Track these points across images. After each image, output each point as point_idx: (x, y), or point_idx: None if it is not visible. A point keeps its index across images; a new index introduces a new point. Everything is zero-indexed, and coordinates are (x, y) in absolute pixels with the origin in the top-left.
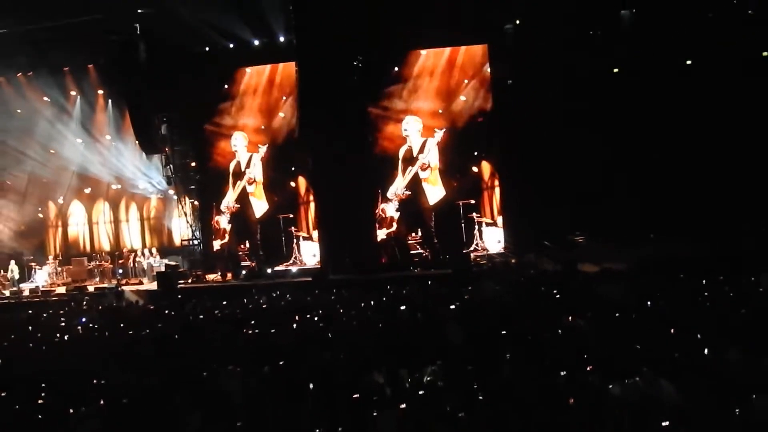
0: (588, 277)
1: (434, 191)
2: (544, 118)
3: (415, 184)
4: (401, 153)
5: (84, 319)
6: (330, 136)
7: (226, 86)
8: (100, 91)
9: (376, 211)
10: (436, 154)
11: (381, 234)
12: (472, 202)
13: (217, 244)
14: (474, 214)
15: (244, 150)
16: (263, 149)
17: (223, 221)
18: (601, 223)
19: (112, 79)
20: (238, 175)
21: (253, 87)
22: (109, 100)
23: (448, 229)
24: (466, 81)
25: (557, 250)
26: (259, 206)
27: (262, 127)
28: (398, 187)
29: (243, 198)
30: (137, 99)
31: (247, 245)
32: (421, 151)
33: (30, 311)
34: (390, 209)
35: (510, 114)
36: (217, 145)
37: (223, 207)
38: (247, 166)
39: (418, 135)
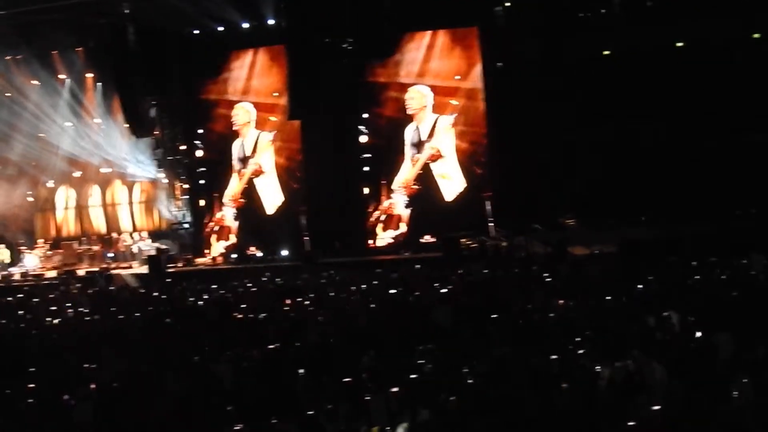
0: (578, 260)
1: (450, 185)
2: (534, 100)
3: (426, 174)
4: (407, 135)
5: (69, 302)
6: (320, 119)
7: (217, 69)
8: (89, 74)
9: (380, 207)
10: (451, 139)
11: (386, 237)
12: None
13: (220, 247)
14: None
15: (250, 128)
16: (271, 134)
17: (228, 216)
18: (591, 205)
19: (102, 62)
20: (243, 161)
21: (247, 69)
22: (99, 84)
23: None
24: (457, 64)
25: (547, 233)
26: (271, 198)
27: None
28: (405, 176)
29: (250, 190)
30: (127, 82)
31: (257, 253)
32: (431, 135)
33: (20, 295)
34: (399, 205)
35: (500, 97)
36: (213, 126)
37: (226, 199)
38: (254, 151)
39: (425, 112)
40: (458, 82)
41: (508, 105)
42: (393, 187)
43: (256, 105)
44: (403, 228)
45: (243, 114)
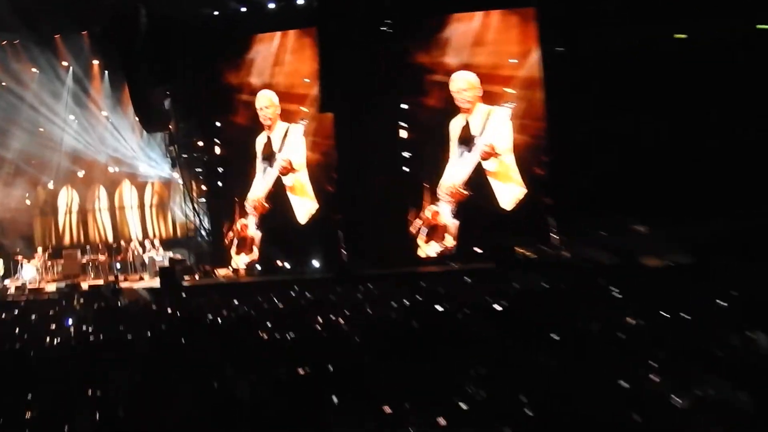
0: (650, 271)
1: (508, 189)
2: (600, 89)
3: (479, 176)
4: (454, 129)
5: (70, 321)
6: (355, 111)
7: (239, 54)
8: (96, 62)
9: (422, 216)
10: (509, 134)
11: (429, 251)
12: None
13: (241, 261)
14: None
15: (277, 120)
16: (302, 124)
17: (250, 226)
18: (666, 209)
19: (109, 48)
20: (269, 158)
21: (273, 54)
22: (106, 72)
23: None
24: (512, 49)
25: (615, 240)
26: (302, 205)
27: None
28: (453, 179)
29: (278, 193)
30: (137, 70)
31: (286, 265)
32: (483, 129)
33: (17, 311)
34: (444, 214)
35: (561, 86)
36: (233, 118)
37: (248, 204)
38: (282, 147)
39: (476, 102)
40: (513, 69)
41: (570, 96)
42: (438, 192)
43: (284, 95)
44: (449, 241)
45: (269, 104)
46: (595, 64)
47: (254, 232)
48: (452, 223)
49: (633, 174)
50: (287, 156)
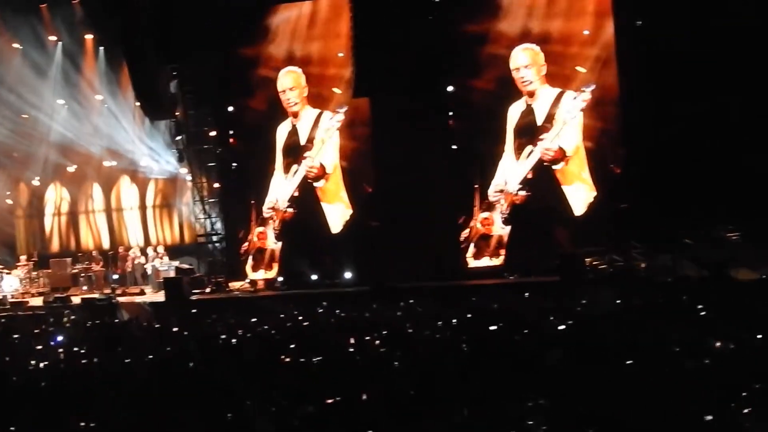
0: (744, 286)
1: (578, 192)
2: (684, 73)
3: (542, 175)
4: (512, 117)
5: (60, 339)
6: (394, 92)
7: (259, 27)
8: (89, 36)
9: (472, 224)
10: (579, 128)
11: (480, 262)
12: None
13: (258, 277)
14: None
15: (304, 105)
16: (340, 114)
17: (270, 236)
18: (762, 213)
19: (105, 20)
20: (294, 151)
21: (299, 27)
22: (101, 48)
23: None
24: (583, 22)
25: (703, 250)
26: (335, 212)
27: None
28: (509, 179)
29: (306, 197)
30: (139, 45)
31: (313, 277)
32: (550, 119)
33: None
34: (496, 222)
35: (640, 68)
36: (251, 103)
37: (266, 208)
38: (310, 139)
39: (540, 83)
40: (583, 45)
41: (651, 80)
42: (490, 194)
43: (312, 75)
44: (503, 250)
45: (294, 85)
46: (679, 41)
47: (274, 245)
48: (507, 230)
49: (724, 171)
50: (317, 156)
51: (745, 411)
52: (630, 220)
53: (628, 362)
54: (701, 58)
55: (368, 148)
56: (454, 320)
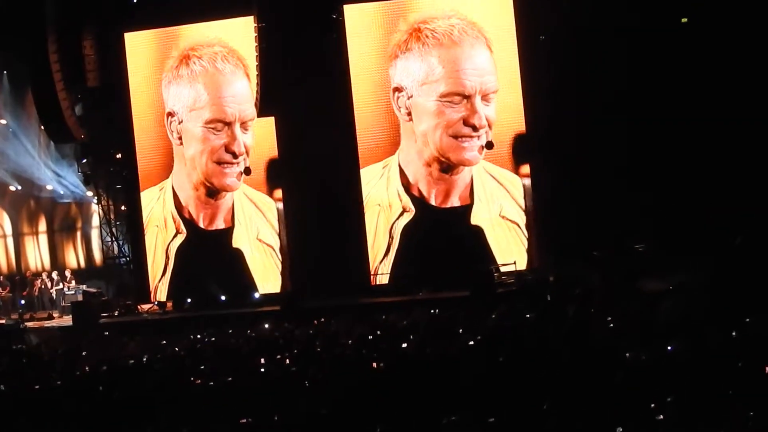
0: (651, 297)
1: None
2: (589, 84)
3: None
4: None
5: None
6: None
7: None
8: None
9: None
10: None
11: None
12: None
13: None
14: None
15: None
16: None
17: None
18: (669, 224)
19: (7, 33)
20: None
21: None
22: (5, 72)
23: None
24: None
25: (610, 261)
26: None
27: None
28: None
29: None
30: (43, 65)
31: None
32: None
33: None
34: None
35: (542, 79)
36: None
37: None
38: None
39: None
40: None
41: (552, 81)
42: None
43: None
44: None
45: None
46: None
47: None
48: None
49: (634, 182)
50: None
51: (659, 417)
52: (540, 233)
53: (541, 375)
54: (607, 63)
55: (275, 165)
56: (369, 336)
